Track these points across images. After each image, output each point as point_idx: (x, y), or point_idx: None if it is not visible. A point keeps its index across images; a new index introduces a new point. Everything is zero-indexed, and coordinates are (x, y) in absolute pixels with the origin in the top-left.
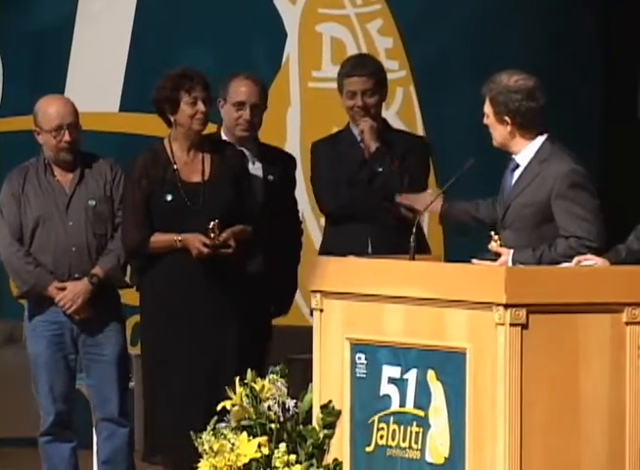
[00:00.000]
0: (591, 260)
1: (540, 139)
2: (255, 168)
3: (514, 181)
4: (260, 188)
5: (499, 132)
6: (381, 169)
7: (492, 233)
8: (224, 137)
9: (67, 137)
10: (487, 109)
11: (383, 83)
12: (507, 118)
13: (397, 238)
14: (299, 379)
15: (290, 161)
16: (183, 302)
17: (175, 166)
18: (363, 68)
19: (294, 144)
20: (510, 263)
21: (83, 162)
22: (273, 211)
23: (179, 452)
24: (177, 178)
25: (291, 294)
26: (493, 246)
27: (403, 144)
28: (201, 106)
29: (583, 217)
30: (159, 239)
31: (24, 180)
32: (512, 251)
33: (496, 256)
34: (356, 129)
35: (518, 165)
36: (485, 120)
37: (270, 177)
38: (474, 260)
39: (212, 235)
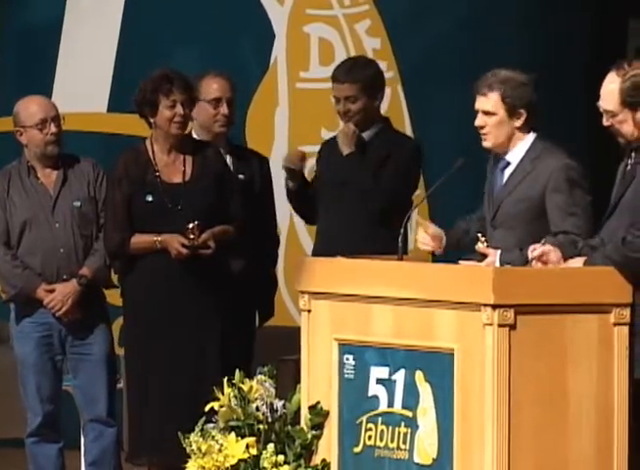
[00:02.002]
0: (547, 251)
1: (531, 137)
2: None
3: (505, 180)
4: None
5: (506, 129)
6: (345, 176)
7: (479, 234)
8: (196, 137)
9: (53, 129)
10: (494, 106)
11: (372, 87)
12: (522, 111)
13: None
14: (289, 380)
15: (262, 161)
16: (164, 302)
17: (156, 168)
18: (347, 74)
19: (281, 144)
20: (497, 264)
21: (65, 163)
22: (245, 210)
23: (161, 453)
24: (158, 179)
25: (270, 294)
26: (480, 247)
27: (387, 148)
28: (179, 109)
29: (574, 213)
30: (138, 240)
31: (8, 184)
32: (499, 251)
33: (482, 256)
34: None
35: (508, 164)
36: (485, 120)
37: (241, 176)
38: (460, 262)
39: (192, 236)
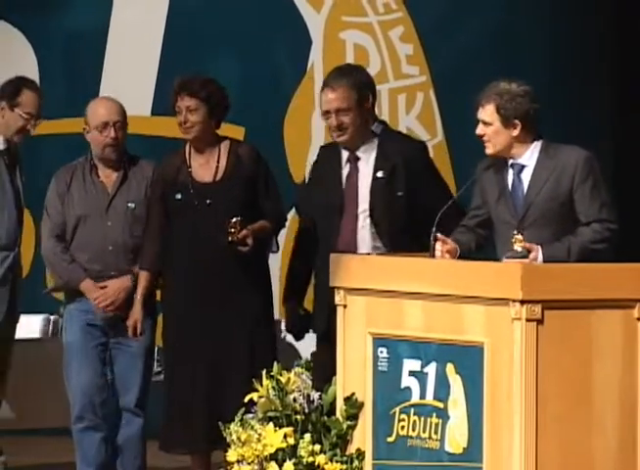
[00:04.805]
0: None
1: (538, 143)
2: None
3: (528, 181)
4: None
5: (504, 138)
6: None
7: (515, 232)
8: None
9: (112, 134)
10: (490, 117)
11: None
12: (517, 122)
13: None
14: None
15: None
16: (199, 298)
17: (190, 168)
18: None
19: (318, 148)
20: (540, 259)
21: (128, 164)
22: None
23: (189, 444)
24: (189, 178)
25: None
26: (526, 244)
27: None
28: (183, 116)
29: (605, 201)
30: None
31: (71, 179)
32: (539, 247)
33: (528, 252)
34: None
35: (523, 167)
36: (484, 129)
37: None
38: (504, 259)
39: (232, 230)
